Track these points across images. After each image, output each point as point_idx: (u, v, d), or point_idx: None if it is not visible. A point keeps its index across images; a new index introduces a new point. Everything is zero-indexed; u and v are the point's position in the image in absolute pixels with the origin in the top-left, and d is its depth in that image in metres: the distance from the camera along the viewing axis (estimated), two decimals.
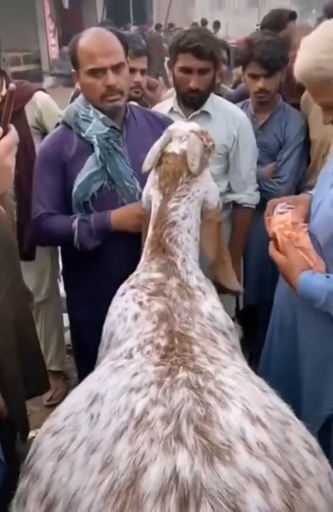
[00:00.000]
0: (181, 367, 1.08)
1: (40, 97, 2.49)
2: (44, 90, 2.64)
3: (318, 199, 1.52)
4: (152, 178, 1.67)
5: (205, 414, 0.94)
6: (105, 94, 1.81)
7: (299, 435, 1.02)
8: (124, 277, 1.59)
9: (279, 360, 1.69)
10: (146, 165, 1.66)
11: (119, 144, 1.86)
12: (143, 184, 1.78)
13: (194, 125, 1.76)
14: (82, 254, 1.88)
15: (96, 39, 1.81)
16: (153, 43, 7.89)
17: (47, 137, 1.99)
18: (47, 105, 2.51)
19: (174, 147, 1.65)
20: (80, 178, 1.83)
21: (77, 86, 1.92)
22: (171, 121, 1.95)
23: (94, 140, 1.82)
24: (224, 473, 0.84)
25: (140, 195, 1.82)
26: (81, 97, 1.92)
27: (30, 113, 2.44)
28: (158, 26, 13.09)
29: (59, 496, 0.94)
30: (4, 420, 1.58)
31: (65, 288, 2.19)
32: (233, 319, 2.52)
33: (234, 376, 1.10)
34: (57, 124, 1.99)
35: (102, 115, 1.84)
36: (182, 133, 1.67)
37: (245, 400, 1.00)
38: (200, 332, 1.31)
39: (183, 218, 1.59)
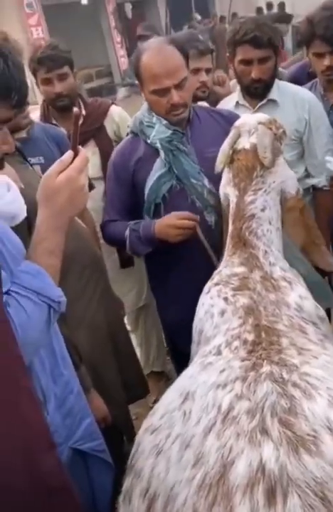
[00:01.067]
0: (265, 361, 1.10)
1: (116, 111, 2.63)
2: (115, 103, 2.76)
3: None
4: (227, 176, 1.69)
5: (290, 407, 0.95)
6: (170, 111, 1.87)
7: None
8: (205, 272, 1.62)
9: None
10: (218, 165, 1.69)
11: (183, 144, 1.91)
12: (211, 180, 1.84)
13: (261, 116, 1.75)
14: (164, 257, 1.95)
15: (158, 58, 1.81)
16: (219, 37, 7.78)
17: (116, 149, 2.10)
18: (122, 117, 2.64)
19: (244, 142, 1.65)
20: (150, 181, 1.92)
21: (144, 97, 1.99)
22: (236, 116, 1.95)
23: (158, 144, 1.89)
24: (310, 463, 0.85)
25: (208, 191, 1.88)
26: (145, 105, 1.99)
27: (109, 127, 2.59)
28: (222, 18, 12.86)
29: (159, 491, 1.00)
30: (110, 425, 1.68)
31: (152, 290, 2.27)
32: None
33: (323, 366, 1.09)
34: (128, 134, 2.09)
35: (164, 121, 1.90)
36: (250, 126, 1.67)
37: (331, 390, 0.99)
38: (288, 324, 1.30)
39: (262, 210, 1.58)
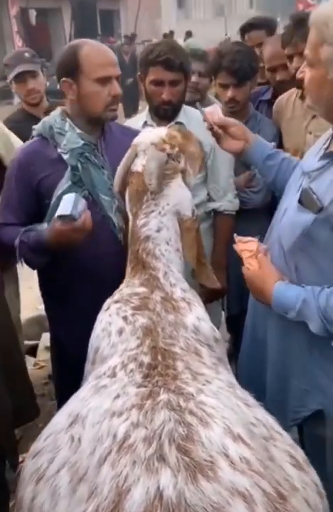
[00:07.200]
0: (162, 388, 1.08)
1: None
2: None
3: (284, 205, 1.55)
4: (127, 199, 1.65)
5: (187, 434, 0.94)
6: (109, 104, 1.83)
7: (284, 449, 1.03)
8: (104, 291, 1.56)
9: (249, 364, 1.71)
10: (115, 188, 1.64)
11: (95, 156, 1.86)
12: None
13: (156, 133, 1.69)
14: (58, 275, 1.87)
15: (101, 48, 1.85)
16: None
17: (22, 147, 1.98)
18: None
19: (138, 164, 1.62)
20: (60, 189, 1.81)
21: (71, 96, 1.84)
22: None
23: (67, 155, 1.82)
24: (208, 489, 0.85)
25: (117, 208, 1.83)
26: (57, 111, 1.92)
27: None
28: (132, 37, 12.90)
29: None
30: None
31: (46, 308, 2.16)
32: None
33: (217, 393, 1.10)
34: (32, 137, 1.96)
35: (78, 130, 1.85)
36: (146, 146, 1.62)
37: (226, 419, 1.00)
38: (184, 346, 1.31)
39: (157, 231, 1.56)
